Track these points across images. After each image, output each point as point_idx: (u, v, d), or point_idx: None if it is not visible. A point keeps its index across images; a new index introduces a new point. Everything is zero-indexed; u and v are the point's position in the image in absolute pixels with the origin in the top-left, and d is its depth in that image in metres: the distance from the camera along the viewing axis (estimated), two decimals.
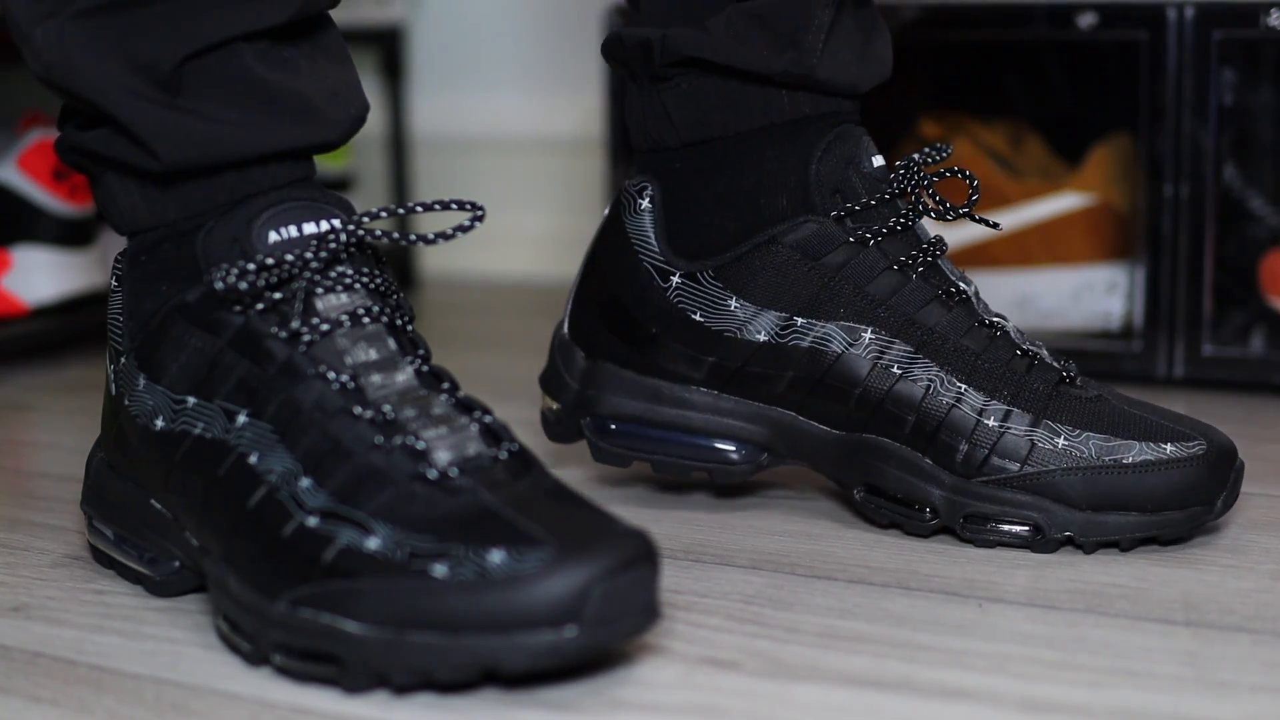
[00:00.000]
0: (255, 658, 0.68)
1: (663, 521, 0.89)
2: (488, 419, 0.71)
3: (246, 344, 0.72)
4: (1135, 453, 0.81)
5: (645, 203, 0.90)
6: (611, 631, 0.64)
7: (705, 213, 0.89)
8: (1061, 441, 0.82)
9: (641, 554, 0.65)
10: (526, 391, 1.05)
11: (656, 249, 0.89)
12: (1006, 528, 0.83)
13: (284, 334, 0.71)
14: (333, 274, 0.73)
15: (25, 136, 1.34)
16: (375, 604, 0.64)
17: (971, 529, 0.84)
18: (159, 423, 0.74)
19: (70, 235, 1.33)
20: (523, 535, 0.64)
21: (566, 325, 0.93)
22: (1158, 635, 0.71)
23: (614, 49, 0.92)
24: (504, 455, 0.69)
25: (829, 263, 0.86)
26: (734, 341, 0.87)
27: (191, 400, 0.73)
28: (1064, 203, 1.28)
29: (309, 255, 0.72)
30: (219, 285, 0.71)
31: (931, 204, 0.88)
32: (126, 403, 0.77)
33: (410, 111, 1.82)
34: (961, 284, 0.87)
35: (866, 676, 0.67)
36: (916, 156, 0.88)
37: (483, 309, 1.67)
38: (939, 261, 0.87)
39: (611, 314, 0.91)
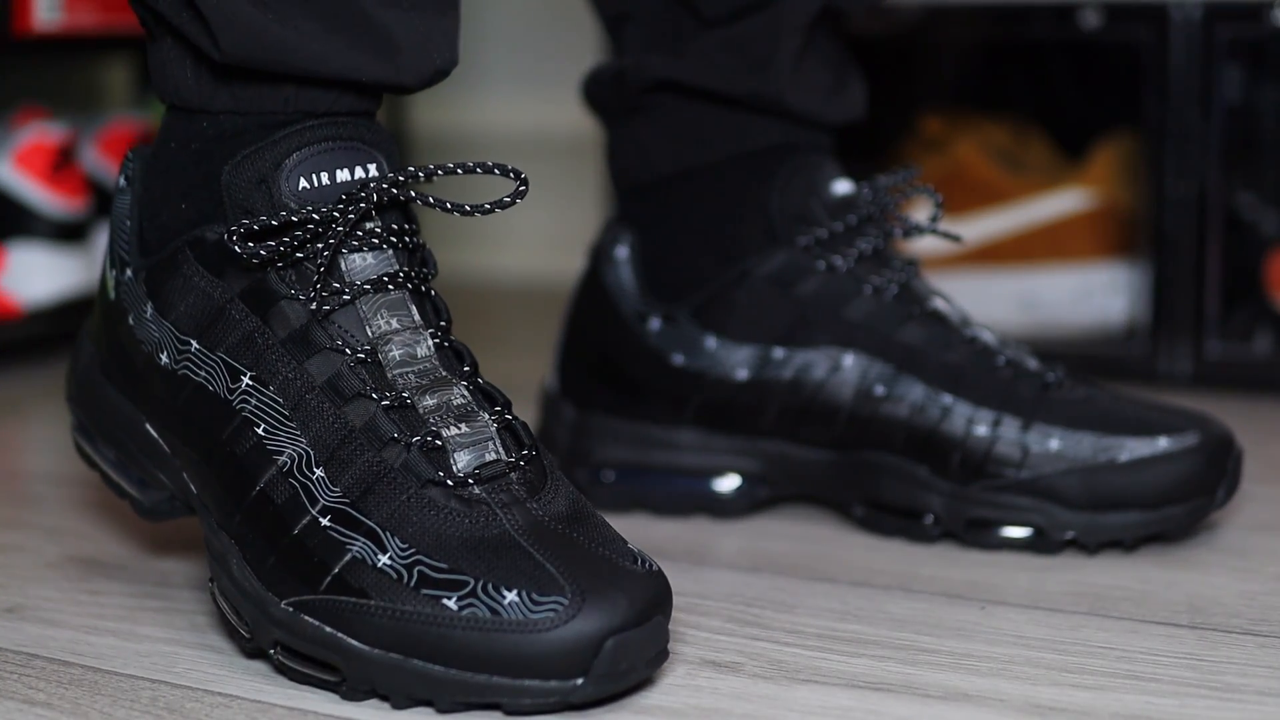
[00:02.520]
0: (252, 648, 0.68)
1: (663, 523, 0.89)
2: (508, 417, 0.69)
3: (259, 300, 0.69)
4: (1130, 449, 0.81)
5: (622, 252, 0.91)
6: (620, 683, 0.63)
7: (680, 252, 0.90)
8: (1055, 443, 0.82)
9: (656, 601, 0.64)
10: (523, 391, 1.04)
11: (635, 297, 0.90)
12: (1009, 531, 0.83)
13: (302, 297, 0.68)
14: (361, 230, 0.69)
15: (20, 133, 1.33)
16: (381, 627, 0.63)
17: (974, 534, 0.83)
18: (163, 357, 0.71)
19: (66, 233, 1.33)
20: (538, 576, 0.62)
21: (554, 380, 0.93)
22: (1162, 638, 0.71)
23: (592, 87, 0.93)
24: (521, 463, 0.67)
25: (802, 291, 0.86)
26: (716, 381, 0.87)
27: (194, 344, 0.70)
28: (1067, 202, 1.28)
29: (336, 214, 0.68)
30: (237, 249, 0.67)
31: (897, 224, 0.89)
32: (131, 323, 0.73)
33: (410, 111, 1.81)
34: (937, 301, 0.88)
35: (868, 679, 0.67)
36: (882, 179, 0.88)
37: (481, 308, 1.67)
38: (913, 281, 0.88)
39: (597, 365, 0.91)
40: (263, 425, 0.68)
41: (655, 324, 0.89)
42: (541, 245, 1.79)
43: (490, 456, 0.67)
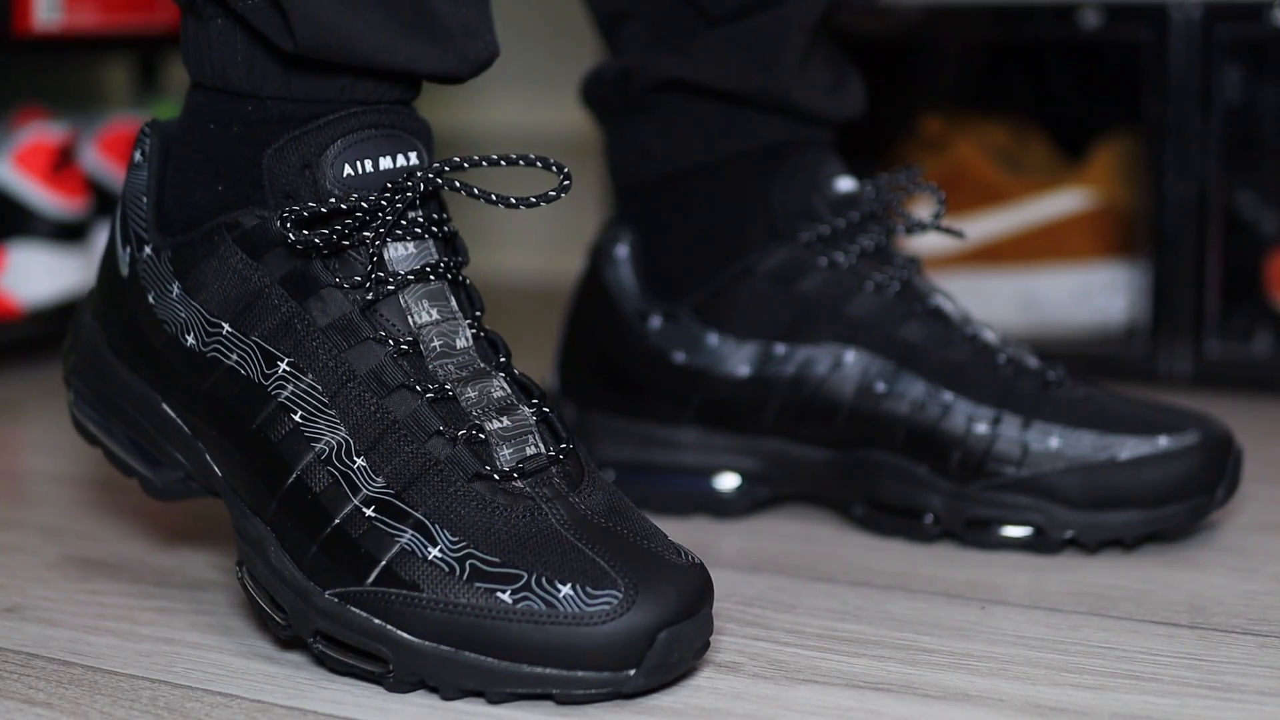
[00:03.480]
0: (288, 636, 0.68)
1: (664, 523, 0.89)
2: (545, 410, 0.69)
3: (300, 286, 0.68)
4: (1129, 448, 0.81)
5: (622, 251, 0.91)
6: (670, 674, 0.64)
7: (681, 250, 0.90)
8: (1055, 441, 0.82)
9: (703, 593, 0.65)
10: None
11: (635, 295, 0.90)
12: (1009, 530, 0.83)
13: (346, 285, 0.68)
14: (405, 219, 0.69)
15: (21, 132, 1.33)
16: (434, 620, 0.63)
17: (974, 533, 0.83)
18: (189, 339, 0.71)
19: (66, 233, 1.33)
20: (591, 570, 0.63)
21: (554, 380, 0.93)
22: (1162, 638, 0.71)
23: (593, 87, 0.93)
24: (560, 456, 0.67)
25: (804, 288, 0.86)
26: (717, 379, 0.87)
27: (226, 327, 0.69)
28: (1067, 202, 1.28)
29: (384, 203, 0.68)
30: (290, 236, 0.66)
31: (899, 221, 0.89)
32: (151, 301, 0.72)
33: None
34: (939, 298, 0.88)
35: (868, 679, 0.66)
36: (884, 176, 0.88)
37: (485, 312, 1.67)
38: (914, 279, 0.88)
39: (597, 364, 0.92)
40: (299, 412, 0.67)
41: (656, 323, 0.89)
42: (541, 245, 1.79)
43: (531, 450, 0.67)
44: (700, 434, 0.89)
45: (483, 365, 0.69)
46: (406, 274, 0.68)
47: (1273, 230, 1.22)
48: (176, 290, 0.71)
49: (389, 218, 0.68)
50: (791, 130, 0.89)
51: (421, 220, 0.69)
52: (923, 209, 1.26)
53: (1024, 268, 1.29)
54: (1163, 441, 0.81)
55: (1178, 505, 0.81)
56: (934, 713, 0.63)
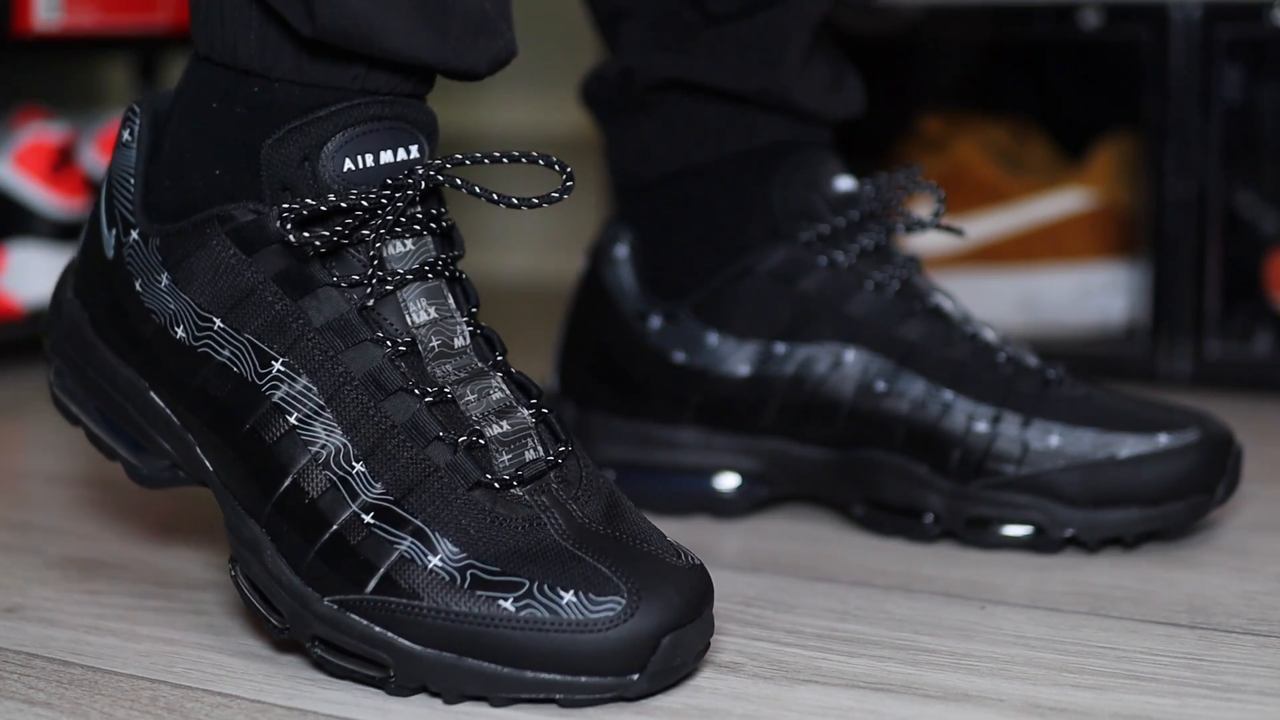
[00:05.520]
0: (285, 639, 0.67)
1: (664, 523, 0.89)
2: (544, 411, 0.68)
3: (296, 284, 0.67)
4: (1129, 446, 0.81)
5: (622, 251, 0.91)
6: (672, 676, 0.64)
7: (681, 250, 0.90)
8: (1055, 440, 0.82)
9: (704, 596, 0.65)
10: None
11: (636, 295, 0.90)
12: (1009, 529, 0.83)
13: (344, 284, 0.67)
14: (404, 216, 0.67)
15: (21, 132, 1.33)
16: (435, 627, 0.63)
17: (974, 533, 0.83)
18: (178, 331, 0.69)
19: (66, 233, 1.33)
20: (593, 576, 0.63)
21: (554, 380, 0.93)
22: (1162, 638, 0.71)
23: (593, 86, 0.92)
24: (559, 460, 0.67)
25: (804, 287, 0.86)
26: (717, 379, 0.87)
27: (217, 322, 0.68)
28: (1067, 202, 1.28)
29: (384, 201, 0.66)
30: (291, 238, 0.65)
31: (899, 220, 0.89)
32: (139, 289, 0.70)
33: None
34: (938, 297, 0.88)
35: (868, 679, 0.66)
36: (884, 176, 0.88)
37: (481, 308, 1.67)
38: (914, 277, 0.88)
39: (597, 364, 0.92)
40: (295, 414, 0.66)
41: (656, 322, 0.89)
42: (541, 245, 1.79)
43: (530, 455, 0.67)
44: (700, 434, 0.89)
45: (480, 365, 0.69)
46: (405, 273, 0.67)
47: (1273, 230, 1.22)
48: (165, 281, 0.70)
49: (389, 216, 0.67)
50: (791, 130, 0.89)
51: (420, 216, 0.68)
52: (923, 208, 1.26)
53: (1024, 268, 1.29)
54: (1163, 439, 0.81)
55: (1178, 503, 0.81)
56: (934, 713, 0.63)
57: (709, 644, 0.66)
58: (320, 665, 0.67)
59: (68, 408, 0.76)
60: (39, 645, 0.71)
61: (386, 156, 0.68)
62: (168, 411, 0.71)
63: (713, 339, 0.88)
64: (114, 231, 0.72)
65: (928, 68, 1.43)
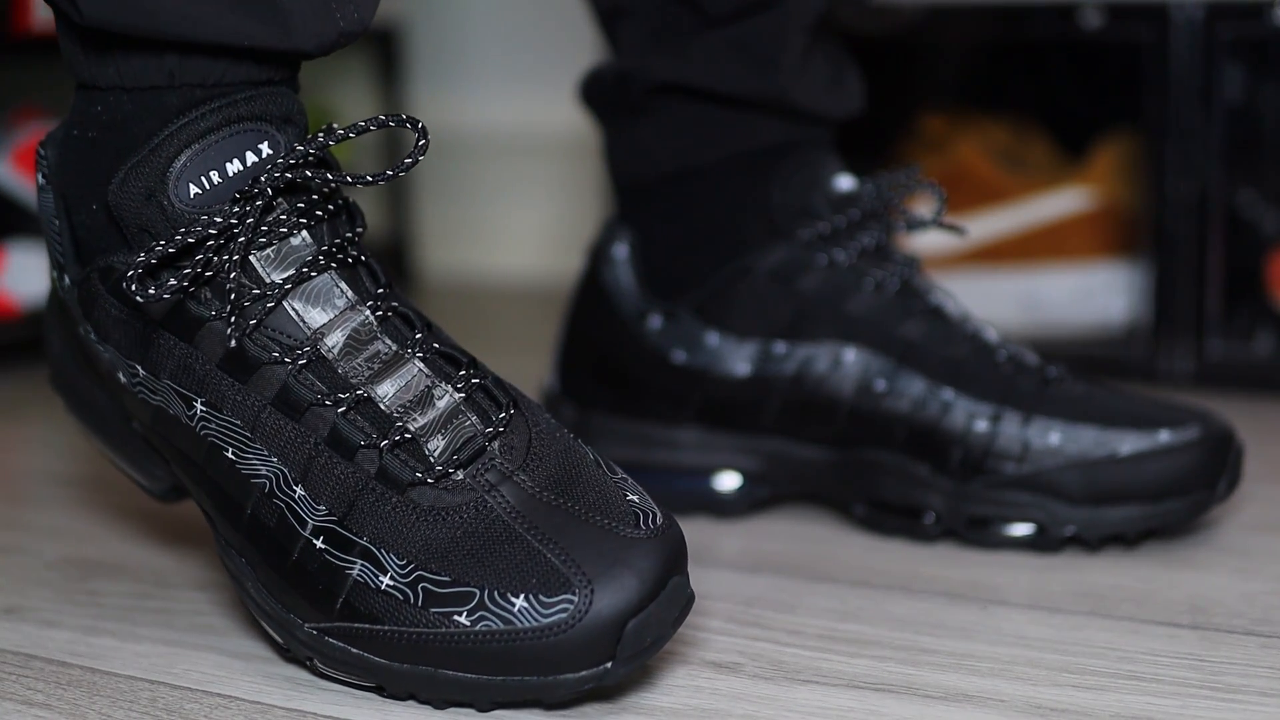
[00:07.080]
0: (289, 657, 0.68)
1: None
2: (474, 380, 0.65)
3: (183, 326, 0.64)
4: (1130, 443, 0.81)
5: (621, 251, 0.90)
6: (648, 655, 0.63)
7: (681, 249, 0.89)
8: (1055, 438, 0.82)
9: (668, 565, 0.62)
10: (522, 388, 1.04)
11: (635, 295, 0.90)
12: (1010, 528, 0.82)
13: (224, 313, 0.63)
14: (266, 221, 0.63)
15: (20, 132, 1.33)
16: (402, 648, 0.62)
17: (975, 532, 0.83)
18: (120, 376, 0.67)
19: None
20: (542, 571, 0.61)
21: (554, 380, 0.93)
22: (1163, 638, 0.71)
23: (592, 87, 0.92)
24: (500, 428, 0.64)
25: (804, 286, 0.86)
26: (717, 378, 0.87)
27: (140, 370, 0.66)
28: (1068, 201, 1.28)
29: (235, 221, 0.62)
30: (140, 299, 0.62)
31: (899, 219, 0.89)
32: (82, 334, 0.68)
33: (408, 110, 1.81)
34: (938, 297, 0.88)
35: (869, 679, 0.66)
36: (884, 175, 0.88)
37: (480, 307, 1.67)
38: (914, 277, 0.88)
39: (597, 364, 0.91)
40: (230, 449, 0.65)
41: (655, 322, 0.89)
42: (541, 245, 1.79)
43: (466, 434, 0.64)
44: (700, 434, 0.89)
45: (394, 349, 0.65)
46: (283, 282, 0.63)
47: (1274, 230, 1.22)
48: (92, 335, 0.68)
49: (243, 237, 0.62)
50: (791, 130, 0.89)
51: (285, 215, 0.64)
52: (923, 207, 1.25)
53: (1025, 267, 1.29)
54: (1163, 436, 0.81)
55: (1179, 500, 0.81)
56: (935, 713, 0.63)
57: (691, 603, 0.64)
58: (323, 677, 0.67)
59: (80, 427, 0.76)
60: (38, 645, 0.71)
61: (234, 167, 0.63)
62: (148, 439, 0.71)
63: (713, 339, 0.88)
64: (55, 272, 0.70)
65: (928, 68, 1.43)
